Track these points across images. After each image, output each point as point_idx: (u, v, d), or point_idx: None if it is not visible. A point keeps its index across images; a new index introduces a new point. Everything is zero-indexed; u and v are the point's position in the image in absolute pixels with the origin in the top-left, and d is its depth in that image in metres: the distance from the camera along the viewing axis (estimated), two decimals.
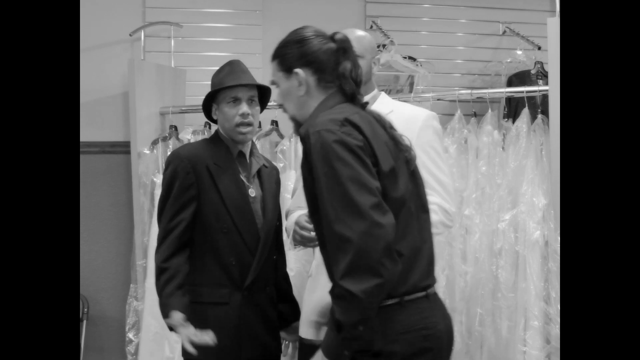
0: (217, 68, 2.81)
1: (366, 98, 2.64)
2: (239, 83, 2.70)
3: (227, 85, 2.70)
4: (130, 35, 4.18)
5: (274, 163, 3.66)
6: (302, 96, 2.10)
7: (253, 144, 2.85)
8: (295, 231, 2.56)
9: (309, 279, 2.78)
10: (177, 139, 3.86)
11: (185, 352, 2.61)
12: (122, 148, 4.07)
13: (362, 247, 1.80)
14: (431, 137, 2.63)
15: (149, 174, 3.77)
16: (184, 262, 2.61)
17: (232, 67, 2.75)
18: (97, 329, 4.03)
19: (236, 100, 2.70)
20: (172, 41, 4.25)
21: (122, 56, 4.19)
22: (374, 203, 1.83)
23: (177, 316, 2.51)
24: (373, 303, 1.83)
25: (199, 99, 4.07)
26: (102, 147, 4.06)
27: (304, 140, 1.95)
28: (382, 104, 2.70)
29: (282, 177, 3.60)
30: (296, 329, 2.80)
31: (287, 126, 3.84)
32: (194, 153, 2.70)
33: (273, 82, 2.20)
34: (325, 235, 1.90)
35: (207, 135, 3.79)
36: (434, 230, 2.47)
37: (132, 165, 3.85)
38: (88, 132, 4.09)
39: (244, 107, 2.69)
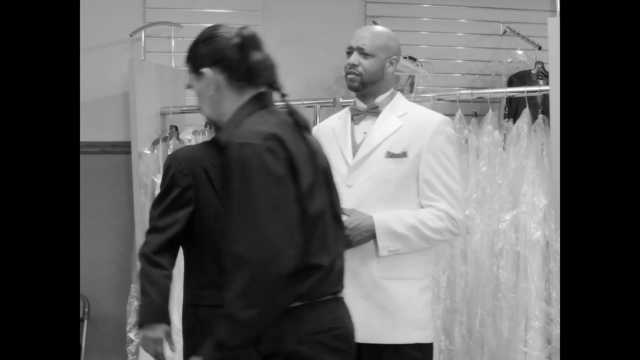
0: None
1: (381, 98, 2.74)
2: None
3: None
4: (130, 35, 4.18)
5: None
6: (213, 96, 2.03)
7: None
8: None
9: None
10: (178, 139, 3.86)
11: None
12: (123, 148, 4.07)
13: (259, 274, 1.78)
14: (443, 143, 2.64)
15: (150, 174, 3.77)
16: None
17: None
18: (97, 328, 4.03)
19: None
20: (173, 41, 4.26)
21: (123, 56, 4.19)
22: (284, 231, 1.80)
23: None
24: (257, 330, 1.84)
25: None
26: (103, 147, 4.06)
27: (226, 149, 1.88)
28: (397, 105, 2.73)
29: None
30: None
31: None
32: (191, 155, 2.67)
33: (189, 86, 2.14)
34: (225, 250, 1.86)
35: (207, 135, 3.80)
36: (439, 237, 2.53)
37: (132, 166, 3.85)
38: (88, 132, 4.09)
39: None
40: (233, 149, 1.85)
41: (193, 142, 3.77)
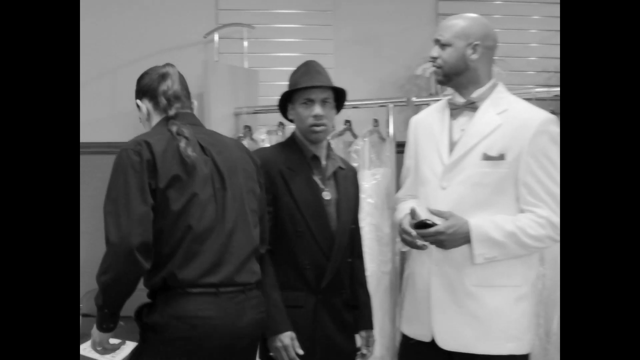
0: (290, 68, 2.80)
1: (479, 92, 2.51)
2: (312, 84, 2.67)
3: (301, 86, 2.68)
4: (204, 37, 4.25)
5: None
6: (147, 121, 2.55)
7: (329, 146, 2.82)
8: (400, 232, 2.54)
9: (406, 276, 2.72)
10: (252, 138, 3.89)
11: (265, 356, 2.64)
12: None
13: (113, 250, 2.26)
14: (545, 144, 2.42)
15: None
16: None
17: (307, 68, 2.74)
18: None
19: (309, 102, 2.67)
20: (245, 42, 4.30)
21: (197, 58, 4.25)
22: (130, 215, 2.25)
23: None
24: (112, 292, 2.33)
25: (272, 100, 4.12)
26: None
27: None
28: (498, 99, 2.52)
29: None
30: (364, 339, 2.81)
31: (360, 126, 3.85)
32: (266, 158, 2.68)
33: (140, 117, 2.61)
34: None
35: (281, 134, 3.82)
36: (539, 244, 2.43)
37: None
38: None
39: (317, 109, 2.66)
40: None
41: (267, 142, 3.80)
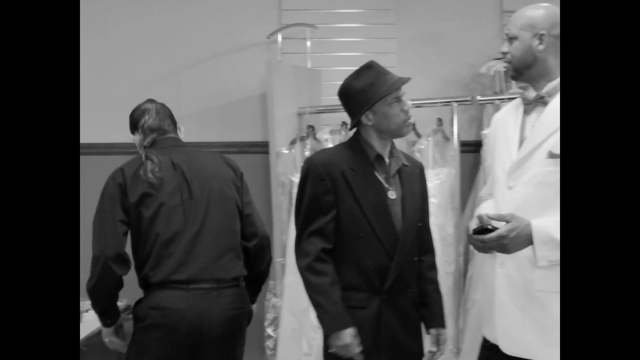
0: (353, 68, 2.73)
1: (550, 85, 2.36)
2: (401, 81, 2.65)
3: (397, 87, 2.63)
4: (267, 38, 4.28)
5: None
6: (141, 150, 2.97)
7: (392, 144, 2.77)
8: (467, 239, 2.47)
9: (469, 277, 2.66)
10: (315, 138, 3.90)
11: (327, 353, 2.63)
12: (261, 148, 4.16)
13: (95, 261, 2.77)
14: None
15: (287, 174, 3.84)
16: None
17: (378, 69, 2.68)
18: None
19: (398, 99, 2.64)
20: (308, 42, 4.31)
21: (260, 58, 4.29)
22: (105, 231, 2.77)
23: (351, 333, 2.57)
24: (98, 294, 2.82)
25: (335, 99, 4.12)
26: (241, 147, 4.17)
27: None
28: None
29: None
30: (434, 337, 2.75)
31: (424, 125, 3.83)
32: (328, 159, 2.66)
33: None
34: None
35: (344, 134, 3.82)
36: None
37: (270, 165, 3.93)
38: (228, 133, 4.22)
39: (407, 103, 2.67)
40: None
41: (330, 142, 3.80)
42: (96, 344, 4.11)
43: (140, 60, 4.40)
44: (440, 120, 3.82)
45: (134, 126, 3.03)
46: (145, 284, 2.83)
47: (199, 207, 2.84)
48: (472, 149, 4.10)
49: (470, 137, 4.20)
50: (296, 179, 3.75)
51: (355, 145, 2.72)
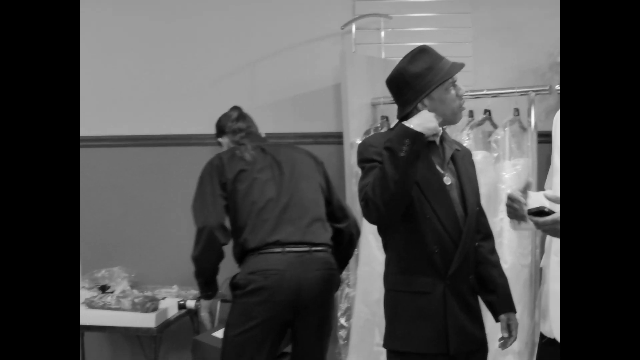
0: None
1: None
2: (459, 65, 2.61)
3: (456, 71, 2.58)
4: (341, 28, 4.28)
5: (488, 153, 3.60)
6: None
7: (443, 129, 2.69)
8: (506, 204, 2.40)
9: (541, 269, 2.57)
10: (389, 129, 3.88)
11: (388, 342, 2.61)
12: (335, 139, 4.18)
13: (199, 231, 3.12)
14: None
15: None
16: None
17: (434, 53, 2.62)
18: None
19: (454, 83, 2.60)
20: (382, 32, 4.30)
21: (334, 49, 4.29)
22: (207, 205, 3.16)
23: None
24: (201, 264, 3.19)
25: None
26: (315, 138, 4.19)
27: None
28: None
29: (496, 167, 3.54)
30: (504, 323, 2.69)
31: (500, 115, 3.77)
32: (381, 142, 2.54)
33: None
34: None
35: None
36: None
37: (344, 155, 3.93)
38: (302, 124, 4.25)
39: (462, 88, 2.63)
40: None
41: None
42: (171, 331, 4.21)
43: (216, 53, 4.46)
44: (517, 110, 3.75)
45: (222, 130, 3.52)
46: (242, 251, 3.13)
47: (289, 181, 3.21)
48: (550, 139, 4.01)
49: (547, 127, 4.06)
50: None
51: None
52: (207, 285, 3.25)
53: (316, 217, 3.20)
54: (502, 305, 2.72)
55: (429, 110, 2.56)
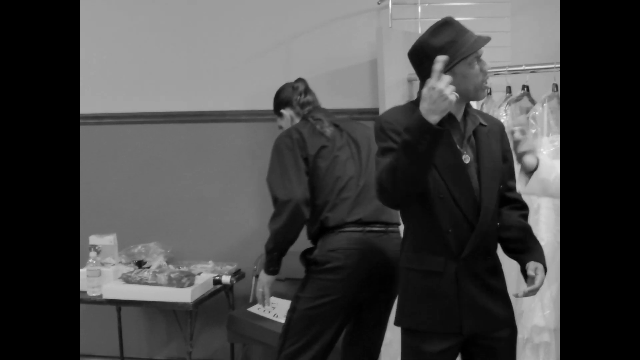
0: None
1: None
2: (484, 39, 2.47)
3: (480, 45, 2.46)
4: (378, 4, 4.24)
5: (525, 129, 3.54)
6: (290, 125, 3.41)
7: (468, 103, 2.58)
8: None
9: None
10: (411, 102, 3.85)
11: (400, 320, 2.57)
12: (371, 115, 4.14)
13: (282, 204, 3.08)
14: None
15: None
16: None
17: (458, 26, 2.51)
18: None
19: (479, 58, 2.49)
20: (419, 8, 4.24)
21: (371, 25, 4.26)
22: (291, 179, 3.10)
23: None
24: (280, 237, 3.13)
25: None
26: (351, 114, 4.15)
27: None
28: None
29: (535, 143, 3.49)
30: (530, 268, 2.50)
31: (538, 91, 3.71)
32: (398, 118, 2.48)
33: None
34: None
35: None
36: None
37: None
38: (338, 100, 4.21)
39: (486, 63, 2.51)
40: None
41: None
42: (206, 306, 4.25)
43: (251, 29, 4.45)
44: (556, 85, 3.69)
45: (287, 102, 3.44)
46: (320, 229, 3.13)
47: (366, 159, 3.21)
48: None
49: None
50: None
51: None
52: (277, 260, 3.22)
53: None
54: (534, 256, 2.57)
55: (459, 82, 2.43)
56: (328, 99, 4.04)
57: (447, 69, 2.39)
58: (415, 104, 2.53)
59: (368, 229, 3.08)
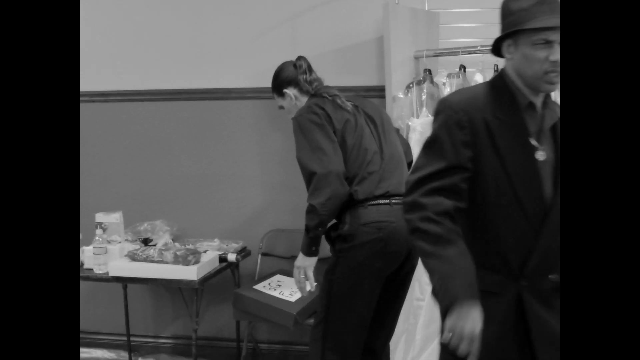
0: (472, 10, 2.53)
1: None
2: (555, 24, 2.08)
3: (540, 26, 2.09)
4: None
5: None
6: (294, 104, 3.39)
7: (548, 92, 2.24)
8: None
9: None
10: (432, 82, 3.83)
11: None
12: (377, 92, 4.11)
13: (321, 177, 2.97)
14: None
15: (404, 118, 3.78)
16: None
17: None
18: None
19: (547, 43, 2.10)
20: None
21: (377, 1, 4.20)
22: (327, 152, 3.03)
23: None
24: (325, 211, 2.95)
25: (453, 42, 4.02)
26: (357, 92, 4.11)
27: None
28: None
29: None
30: None
31: None
32: (470, 103, 2.15)
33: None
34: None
35: (462, 79, 3.72)
36: None
37: (386, 109, 3.87)
38: (344, 77, 4.18)
39: (557, 53, 2.09)
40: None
41: (448, 86, 3.72)
42: (212, 284, 4.25)
43: (257, 6, 4.41)
44: None
45: (289, 81, 3.39)
46: (350, 201, 3.05)
47: (382, 134, 3.24)
48: None
49: None
50: (412, 123, 3.71)
51: (503, 88, 2.20)
52: (319, 239, 3.11)
53: (406, 169, 3.24)
54: None
55: (513, 62, 2.16)
56: (334, 77, 4.02)
57: (505, 34, 2.17)
58: (491, 85, 2.24)
59: (394, 201, 3.05)
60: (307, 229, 3.05)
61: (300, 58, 3.46)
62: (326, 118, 3.12)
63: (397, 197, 3.03)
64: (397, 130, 3.54)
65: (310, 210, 2.99)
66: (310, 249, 3.09)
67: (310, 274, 3.12)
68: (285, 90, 3.41)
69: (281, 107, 3.50)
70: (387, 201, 3.06)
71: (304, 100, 3.36)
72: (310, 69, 3.43)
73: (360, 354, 3.19)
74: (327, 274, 3.10)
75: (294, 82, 3.39)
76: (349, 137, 3.12)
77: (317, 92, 3.32)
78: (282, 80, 3.43)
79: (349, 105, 3.22)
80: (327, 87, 3.40)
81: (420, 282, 3.60)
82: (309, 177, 3.02)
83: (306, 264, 3.12)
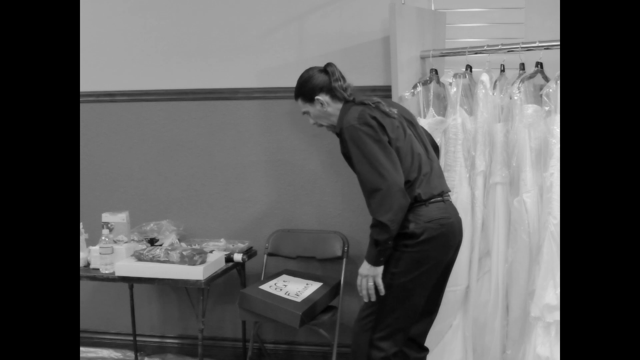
0: (478, 10, 2.60)
1: None
2: None
3: None
4: None
5: (539, 106, 3.51)
6: (325, 111, 3.39)
7: None
8: None
9: None
10: (438, 82, 3.82)
11: None
12: (383, 92, 4.10)
13: (386, 192, 3.05)
14: None
15: None
16: None
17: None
18: (355, 266, 4.18)
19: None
20: None
21: (383, 1, 4.20)
22: (389, 166, 3.09)
23: None
24: (395, 225, 3.05)
25: (459, 42, 4.02)
26: (364, 91, 4.12)
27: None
28: None
29: (547, 121, 3.45)
30: None
31: (552, 68, 3.67)
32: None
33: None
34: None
35: (468, 79, 3.72)
36: None
37: None
38: (350, 77, 4.11)
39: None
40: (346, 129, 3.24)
41: (454, 86, 3.71)
42: (218, 284, 4.25)
43: (264, 5, 4.42)
44: None
45: (321, 88, 3.38)
46: (413, 202, 3.17)
47: (420, 135, 3.38)
48: None
49: None
50: (419, 122, 3.70)
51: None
52: (387, 251, 3.16)
53: (440, 166, 3.45)
54: None
55: None
56: None
57: None
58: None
59: (445, 197, 3.28)
60: (377, 243, 3.11)
61: (330, 65, 3.45)
62: (380, 129, 3.15)
63: (447, 194, 3.31)
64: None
65: (378, 225, 3.07)
66: (378, 260, 3.16)
67: (380, 281, 3.18)
68: (317, 97, 3.39)
69: (306, 113, 3.48)
70: (441, 198, 3.24)
71: (335, 106, 3.37)
72: (342, 75, 3.43)
73: (405, 342, 3.36)
74: (388, 267, 3.19)
75: (327, 89, 3.38)
76: (401, 143, 3.19)
77: (355, 99, 3.34)
78: (313, 86, 3.40)
79: (394, 111, 3.26)
80: (365, 93, 3.42)
81: None
82: (372, 192, 3.09)
83: (374, 273, 3.18)
